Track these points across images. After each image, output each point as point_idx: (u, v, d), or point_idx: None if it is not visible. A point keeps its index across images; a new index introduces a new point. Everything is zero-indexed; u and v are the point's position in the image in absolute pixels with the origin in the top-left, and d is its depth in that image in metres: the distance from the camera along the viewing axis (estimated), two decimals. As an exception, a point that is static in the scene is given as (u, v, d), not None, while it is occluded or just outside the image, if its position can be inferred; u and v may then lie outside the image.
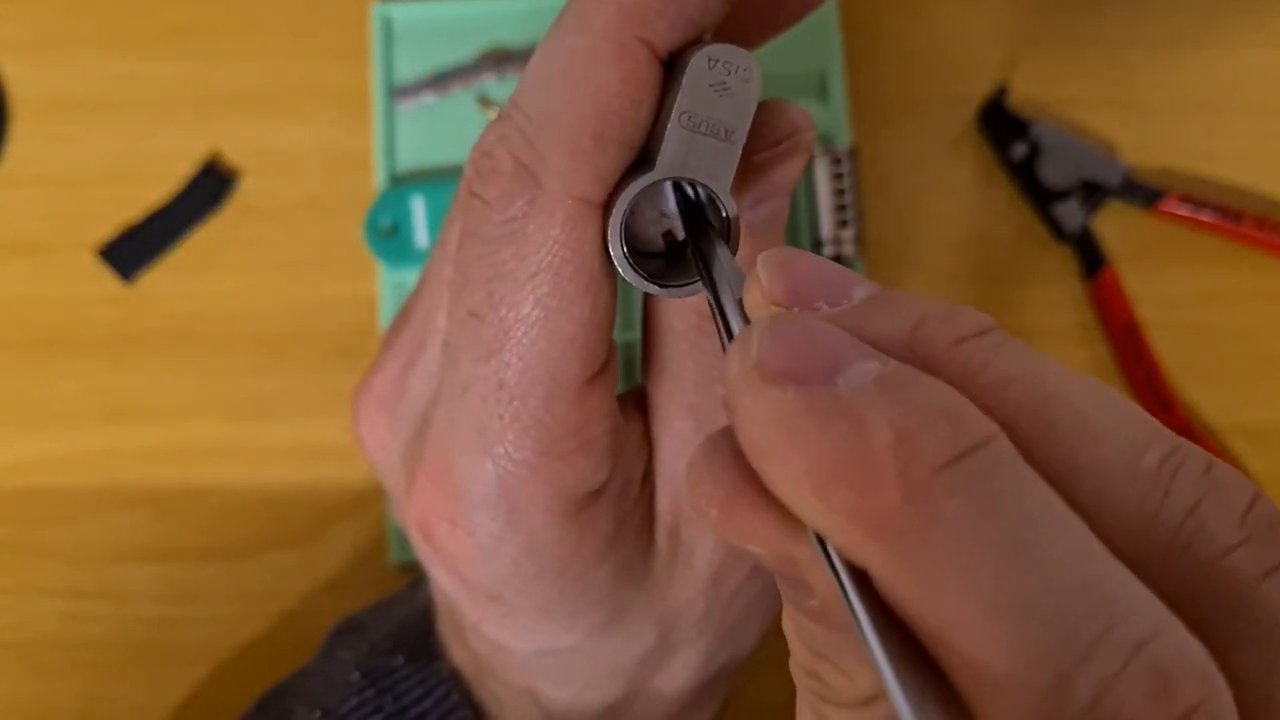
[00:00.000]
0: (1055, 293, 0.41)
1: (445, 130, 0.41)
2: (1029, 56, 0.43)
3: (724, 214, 0.20)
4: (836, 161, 0.40)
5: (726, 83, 0.19)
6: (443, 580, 0.26)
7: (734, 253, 0.20)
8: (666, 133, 0.19)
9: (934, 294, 0.41)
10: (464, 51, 0.42)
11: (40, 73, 0.42)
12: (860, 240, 0.40)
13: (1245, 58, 0.43)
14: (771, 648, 0.39)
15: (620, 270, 0.20)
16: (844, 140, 0.41)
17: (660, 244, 0.21)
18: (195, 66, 0.42)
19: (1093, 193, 0.41)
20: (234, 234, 0.41)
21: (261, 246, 0.41)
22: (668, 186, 0.21)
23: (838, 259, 0.40)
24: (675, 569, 0.25)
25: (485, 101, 0.42)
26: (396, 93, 0.41)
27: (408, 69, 0.42)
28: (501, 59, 0.42)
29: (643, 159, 0.20)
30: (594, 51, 0.20)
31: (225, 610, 0.38)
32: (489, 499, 0.23)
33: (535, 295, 0.21)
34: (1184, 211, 0.41)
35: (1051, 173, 0.41)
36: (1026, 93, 0.43)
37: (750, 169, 0.22)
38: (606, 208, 0.20)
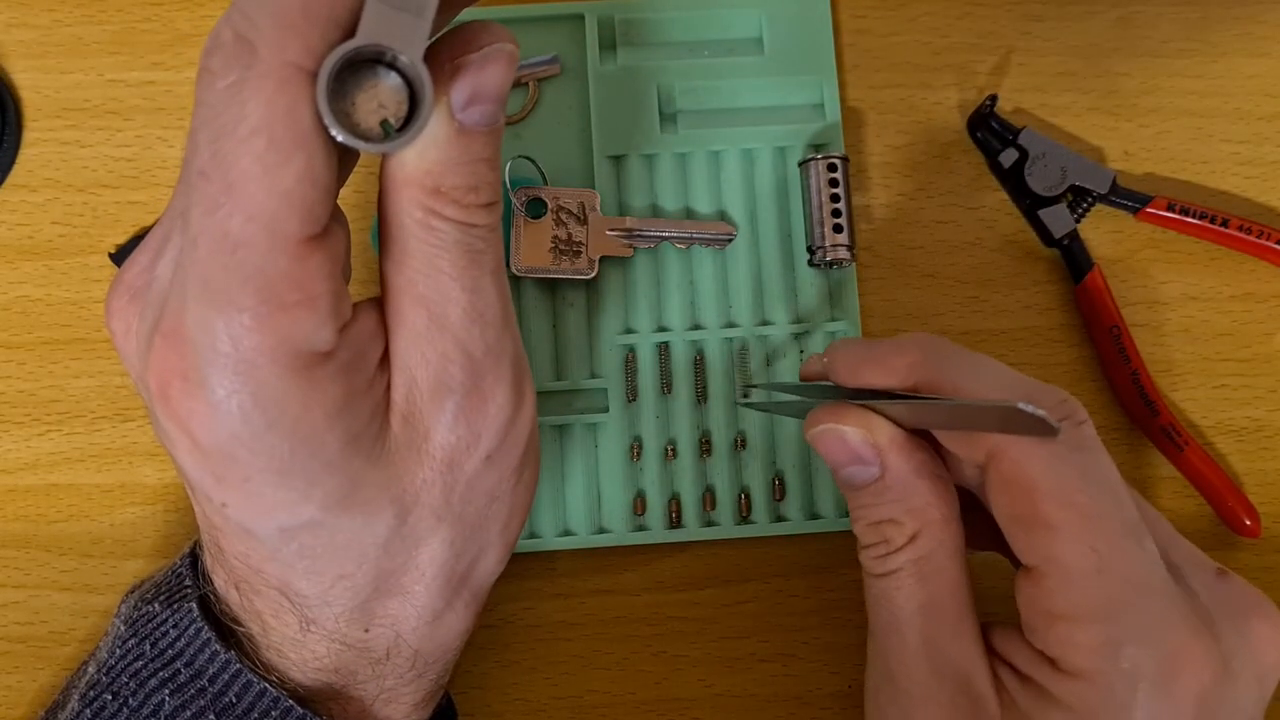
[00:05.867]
0: (1043, 296, 0.42)
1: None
2: (1018, 65, 0.44)
3: (420, 82, 0.23)
4: (830, 168, 0.41)
5: None
6: (184, 458, 0.26)
7: (425, 109, 0.23)
8: (365, 8, 0.23)
9: (924, 298, 0.42)
10: (467, 60, 0.43)
11: (53, 79, 0.43)
12: (853, 245, 0.41)
13: (1231, 65, 0.44)
14: (753, 647, 0.40)
15: (326, 124, 0.23)
16: (837, 147, 0.42)
17: (380, 132, 0.24)
18: (205, 74, 0.43)
19: (1081, 198, 0.42)
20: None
21: (270, 250, 0.42)
22: (384, 75, 0.24)
23: (832, 264, 0.41)
24: (410, 449, 0.27)
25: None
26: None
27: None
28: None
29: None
30: None
31: (235, 605, 0.39)
32: (217, 349, 0.24)
33: (253, 151, 0.23)
34: (1170, 216, 0.42)
35: (1040, 179, 0.42)
36: (1016, 100, 0.43)
37: (457, 71, 0.25)
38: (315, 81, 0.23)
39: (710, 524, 0.40)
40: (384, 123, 0.24)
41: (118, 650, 0.30)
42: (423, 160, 0.26)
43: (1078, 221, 0.42)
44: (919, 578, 0.30)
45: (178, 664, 0.28)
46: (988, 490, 0.29)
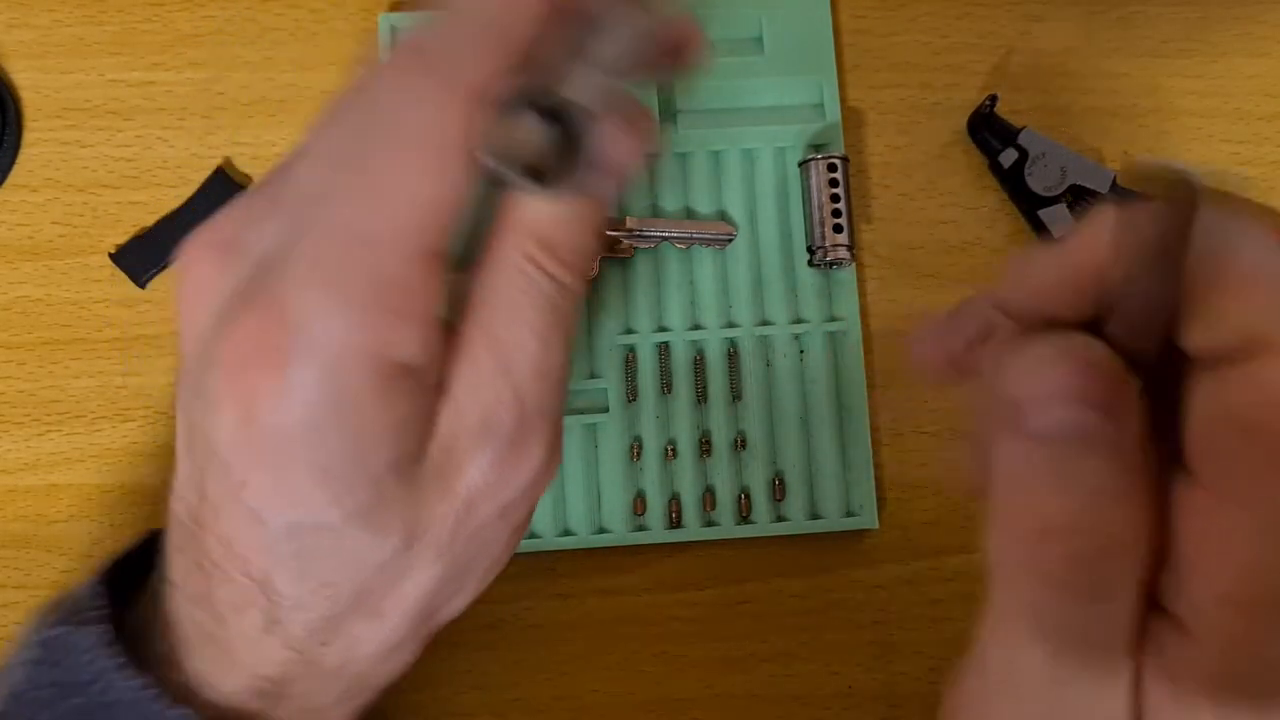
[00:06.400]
0: (1044, 295, 0.42)
1: (449, 137, 0.43)
2: (1017, 65, 0.44)
3: (587, 141, 0.24)
4: (830, 168, 0.41)
5: (624, 42, 0.23)
6: (222, 430, 0.25)
7: (582, 170, 0.24)
8: (567, 62, 0.23)
9: (924, 298, 0.42)
10: (467, 60, 0.43)
11: (53, 80, 0.43)
12: (853, 245, 0.41)
13: (1230, 65, 0.44)
14: (753, 647, 0.40)
15: (487, 152, 0.23)
16: (837, 147, 0.42)
17: (524, 172, 0.24)
18: (206, 74, 0.43)
19: (1080, 198, 0.42)
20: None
21: (270, 250, 0.42)
22: (536, 118, 0.24)
23: (832, 264, 0.41)
24: (439, 481, 0.26)
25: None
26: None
27: (413, 77, 0.43)
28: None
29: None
30: None
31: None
32: (315, 336, 0.24)
33: (409, 157, 0.23)
34: (1169, 216, 0.42)
35: (1040, 179, 0.42)
36: (1015, 101, 0.43)
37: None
38: (484, 109, 0.24)
39: (710, 524, 0.40)
40: (530, 165, 0.24)
41: (21, 674, 0.28)
42: (543, 212, 0.26)
43: (1077, 221, 0.42)
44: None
45: (86, 692, 0.27)
46: (1222, 378, 0.20)
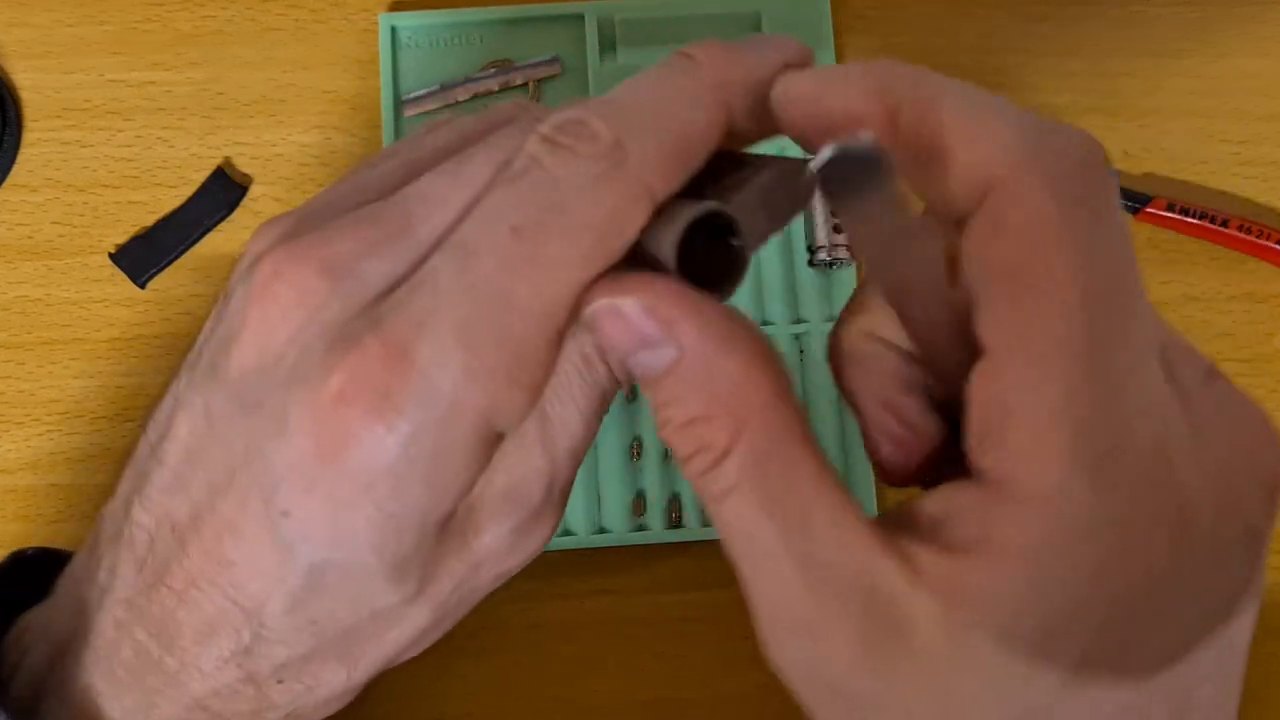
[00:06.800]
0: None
1: (449, 137, 0.43)
2: (1017, 64, 0.44)
3: (738, 260, 0.24)
4: (831, 168, 0.41)
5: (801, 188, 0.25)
6: (291, 454, 0.24)
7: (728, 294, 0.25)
8: (748, 183, 0.25)
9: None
10: (469, 61, 0.43)
11: (52, 79, 0.43)
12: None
13: (1231, 65, 0.44)
14: (753, 648, 0.40)
15: (663, 257, 0.24)
16: (838, 147, 0.42)
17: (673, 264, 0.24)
18: (206, 74, 0.43)
19: (1081, 198, 0.42)
20: (245, 240, 0.42)
21: (270, 250, 0.42)
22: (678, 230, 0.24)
23: (832, 264, 0.41)
24: (459, 539, 0.26)
25: (488, 109, 0.43)
26: (404, 102, 0.42)
27: (415, 78, 0.43)
28: (505, 69, 0.43)
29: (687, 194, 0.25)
30: (696, 92, 0.25)
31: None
32: (439, 388, 0.23)
33: (577, 241, 0.23)
34: (1170, 216, 0.42)
35: (1040, 179, 0.42)
36: (1015, 101, 0.43)
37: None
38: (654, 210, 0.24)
39: (710, 524, 0.40)
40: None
41: None
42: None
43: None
44: (762, 488, 0.22)
45: None
46: (970, 236, 0.21)
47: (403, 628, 0.27)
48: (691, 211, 0.23)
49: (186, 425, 0.26)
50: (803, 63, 0.26)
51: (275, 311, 0.25)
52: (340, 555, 0.25)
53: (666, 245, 0.23)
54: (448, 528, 0.26)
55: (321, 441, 0.24)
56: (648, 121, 0.24)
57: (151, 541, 0.26)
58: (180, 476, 0.26)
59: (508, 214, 0.24)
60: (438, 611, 0.27)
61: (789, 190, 0.25)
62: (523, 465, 0.26)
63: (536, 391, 0.25)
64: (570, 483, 0.28)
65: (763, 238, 0.24)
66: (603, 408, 0.27)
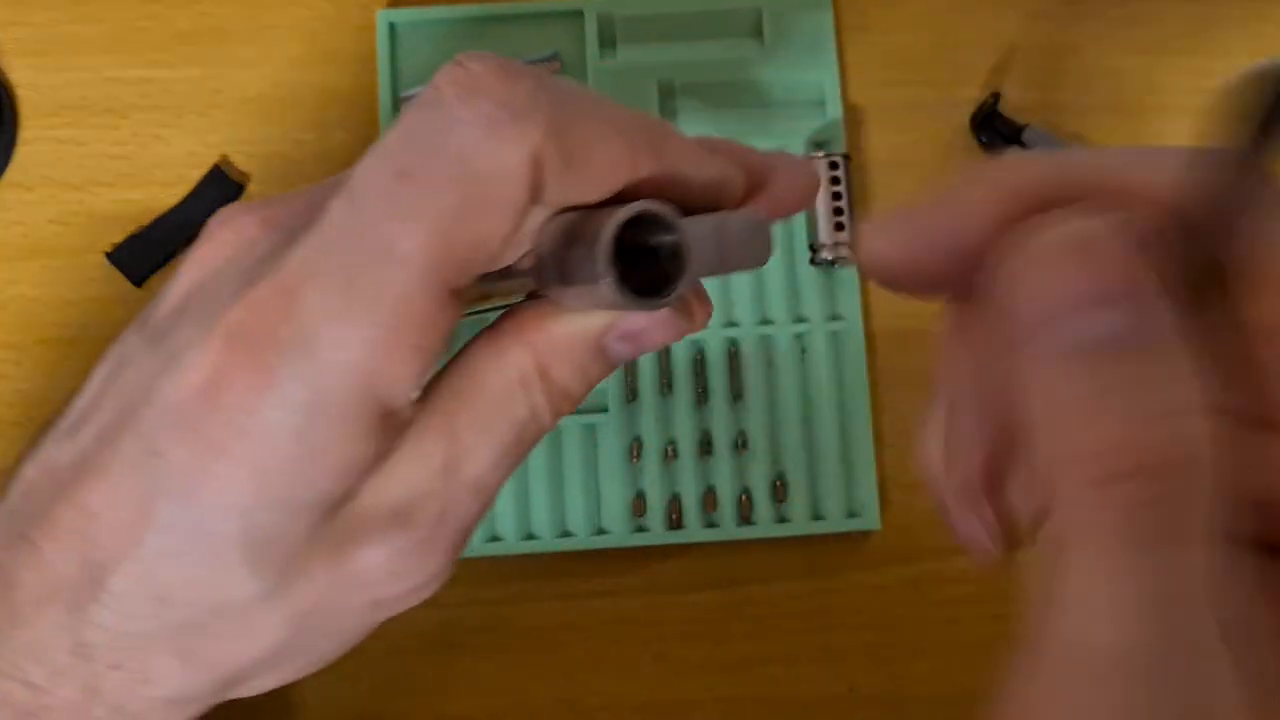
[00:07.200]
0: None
1: (448, 135, 0.42)
2: (1021, 63, 0.44)
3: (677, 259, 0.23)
4: (833, 166, 0.41)
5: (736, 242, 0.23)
6: (176, 393, 0.23)
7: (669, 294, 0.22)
8: (707, 216, 0.23)
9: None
10: (467, 57, 0.43)
11: (49, 77, 0.43)
12: (855, 244, 0.41)
13: (1234, 63, 0.44)
14: (754, 649, 0.40)
15: (603, 247, 0.21)
16: (839, 145, 0.42)
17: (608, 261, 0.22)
18: (203, 71, 0.43)
19: (1084, 197, 0.42)
20: (240, 237, 0.42)
21: (267, 249, 0.42)
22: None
23: (834, 263, 0.41)
24: (333, 549, 0.24)
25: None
26: (402, 99, 0.42)
27: (413, 75, 0.43)
28: (504, 65, 0.43)
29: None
30: (660, 125, 0.24)
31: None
32: (315, 338, 0.22)
33: (464, 196, 0.22)
34: (1173, 215, 0.42)
35: (1043, 177, 0.42)
36: (1019, 98, 0.43)
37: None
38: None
39: (711, 525, 0.40)
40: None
41: None
42: (560, 341, 0.25)
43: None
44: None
45: None
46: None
47: (253, 636, 0.25)
48: (633, 209, 0.22)
49: (99, 375, 0.25)
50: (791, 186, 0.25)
51: (209, 250, 0.25)
52: (200, 517, 0.23)
53: (605, 234, 0.21)
54: (321, 529, 0.24)
55: (205, 380, 0.22)
56: (581, 105, 0.23)
57: (28, 492, 0.25)
58: (75, 425, 0.25)
59: (397, 154, 0.22)
60: (293, 626, 0.25)
61: (751, 238, 0.23)
62: (418, 484, 0.24)
63: (426, 356, 0.23)
64: (469, 523, 0.25)
65: (709, 268, 0.23)
66: (521, 445, 0.25)
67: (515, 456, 0.25)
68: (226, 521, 0.23)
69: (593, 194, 0.23)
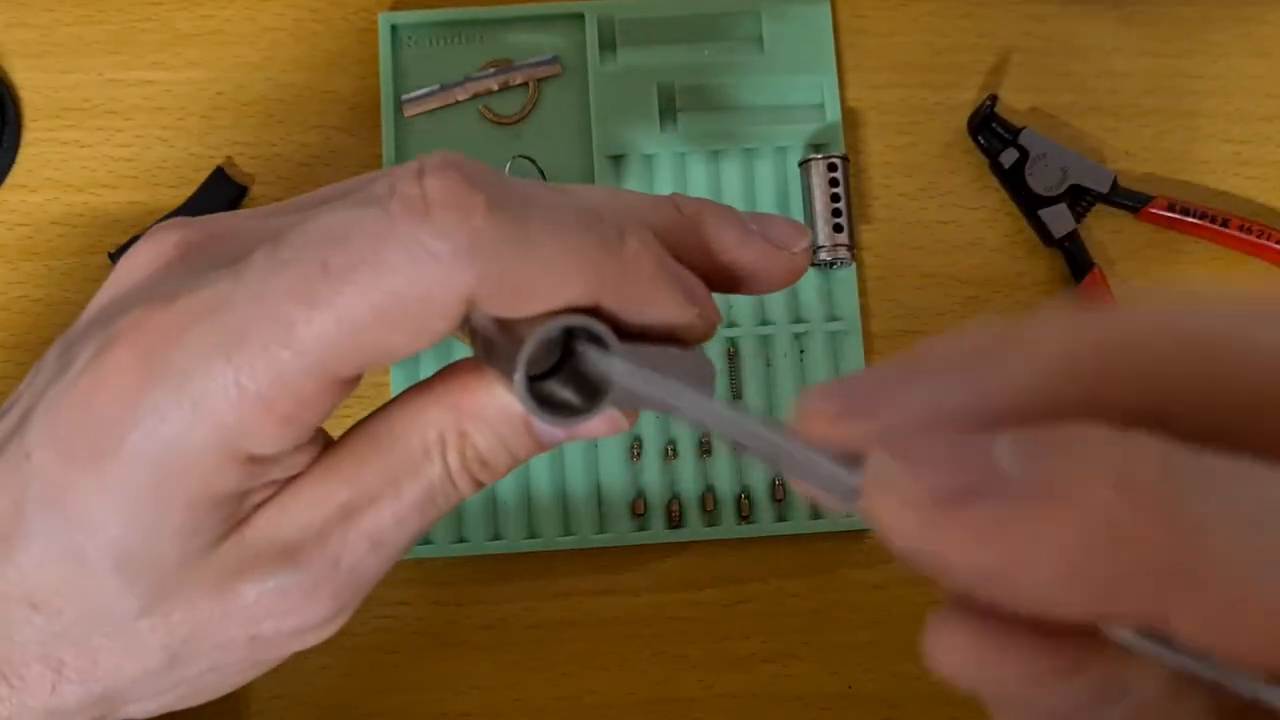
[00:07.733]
0: (1043, 296, 0.42)
1: (451, 137, 0.43)
2: (1018, 65, 0.44)
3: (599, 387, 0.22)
4: (831, 168, 0.41)
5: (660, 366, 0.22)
6: (59, 400, 0.23)
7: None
8: (653, 345, 0.22)
9: (924, 298, 0.42)
10: (469, 60, 0.43)
11: (52, 79, 0.43)
12: (853, 245, 0.41)
13: (1231, 65, 0.44)
14: (754, 648, 0.40)
15: (519, 386, 0.21)
16: (837, 147, 0.42)
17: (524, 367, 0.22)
18: (205, 74, 0.43)
19: (1081, 198, 0.42)
20: (243, 238, 0.42)
21: (270, 250, 0.42)
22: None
23: (832, 264, 0.41)
24: (217, 578, 0.24)
25: (489, 109, 0.43)
26: (404, 101, 0.42)
27: (414, 77, 0.43)
28: (505, 68, 0.43)
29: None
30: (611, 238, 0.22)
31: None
32: (187, 378, 0.22)
33: (376, 310, 0.21)
34: (1170, 216, 0.42)
35: (1040, 179, 0.42)
36: (1016, 101, 0.43)
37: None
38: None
39: (711, 524, 0.40)
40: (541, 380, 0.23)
41: None
42: (486, 417, 0.24)
43: (1078, 221, 0.42)
44: None
45: None
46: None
47: (131, 654, 0.25)
48: (564, 323, 0.21)
49: (26, 377, 0.25)
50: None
51: (130, 264, 0.25)
52: (66, 525, 0.23)
53: (524, 349, 0.21)
54: (204, 556, 0.24)
55: (80, 394, 0.23)
56: (533, 234, 0.21)
57: None
58: None
59: (327, 245, 0.22)
60: (172, 651, 0.25)
61: (696, 372, 0.23)
62: (312, 524, 0.24)
63: (298, 427, 0.22)
64: (364, 576, 0.25)
65: (636, 401, 0.22)
66: (430, 507, 0.25)
67: (422, 518, 0.25)
68: (94, 534, 0.23)
69: (531, 314, 0.22)
